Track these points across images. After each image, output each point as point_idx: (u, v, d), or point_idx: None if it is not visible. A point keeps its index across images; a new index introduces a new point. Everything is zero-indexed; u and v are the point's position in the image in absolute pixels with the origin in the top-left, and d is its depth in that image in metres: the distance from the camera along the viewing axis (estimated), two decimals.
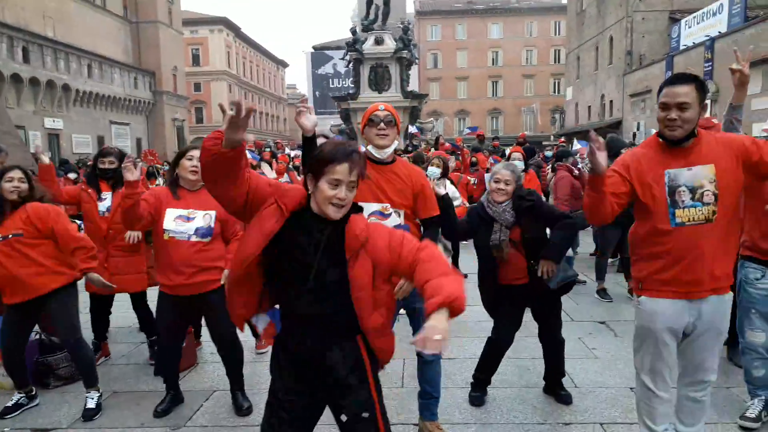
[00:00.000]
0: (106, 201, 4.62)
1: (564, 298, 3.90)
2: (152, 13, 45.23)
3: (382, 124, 3.06)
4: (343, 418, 2.09)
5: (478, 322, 4.93)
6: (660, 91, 2.59)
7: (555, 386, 3.92)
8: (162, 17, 46.17)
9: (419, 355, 3.22)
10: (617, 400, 3.87)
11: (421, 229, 3.22)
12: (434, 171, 5.93)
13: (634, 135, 26.74)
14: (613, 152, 6.83)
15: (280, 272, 2.06)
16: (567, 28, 48.05)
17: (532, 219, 3.59)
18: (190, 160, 3.59)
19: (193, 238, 3.53)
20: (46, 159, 4.58)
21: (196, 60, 57.38)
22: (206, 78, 57.56)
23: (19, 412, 3.87)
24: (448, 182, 5.92)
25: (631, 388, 3.98)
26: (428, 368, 3.32)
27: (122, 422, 3.70)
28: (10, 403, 3.88)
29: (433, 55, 58.22)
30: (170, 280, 3.55)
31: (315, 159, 2.02)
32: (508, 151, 13.21)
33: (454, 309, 1.78)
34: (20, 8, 31.99)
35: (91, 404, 3.83)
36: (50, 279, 3.68)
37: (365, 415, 2.08)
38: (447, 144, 17.63)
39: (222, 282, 3.59)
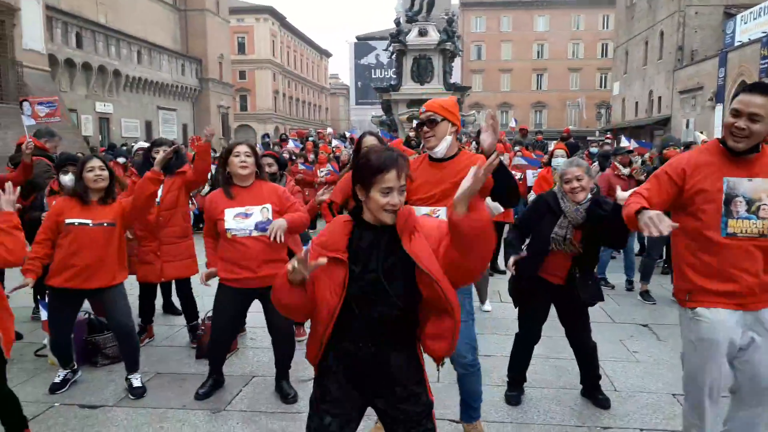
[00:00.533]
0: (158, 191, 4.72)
1: (606, 300, 3.86)
2: (200, 2, 46.01)
3: (425, 127, 2.99)
4: (401, 425, 2.09)
5: (515, 320, 4.87)
6: (735, 96, 2.48)
7: (592, 390, 3.86)
8: (210, 5, 46.91)
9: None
10: (659, 406, 3.78)
11: None
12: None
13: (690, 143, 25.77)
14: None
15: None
16: (615, 21, 46.81)
17: (598, 227, 3.47)
18: (237, 156, 3.65)
19: (254, 233, 3.62)
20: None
21: (241, 48, 58.14)
22: (251, 66, 58.28)
23: (67, 387, 4.02)
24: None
25: (673, 395, 3.91)
26: (466, 379, 3.25)
27: (165, 403, 3.81)
28: (57, 380, 4.03)
29: (476, 47, 57.56)
30: (236, 273, 3.65)
31: (362, 170, 2.00)
32: (551, 147, 13.01)
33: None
34: None
35: (137, 383, 3.97)
36: (120, 273, 3.90)
37: (425, 421, 2.10)
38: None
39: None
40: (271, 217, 3.65)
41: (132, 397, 3.89)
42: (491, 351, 4.77)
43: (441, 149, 3.00)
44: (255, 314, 5.31)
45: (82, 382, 4.16)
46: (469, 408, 3.33)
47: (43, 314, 4.29)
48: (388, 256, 2.02)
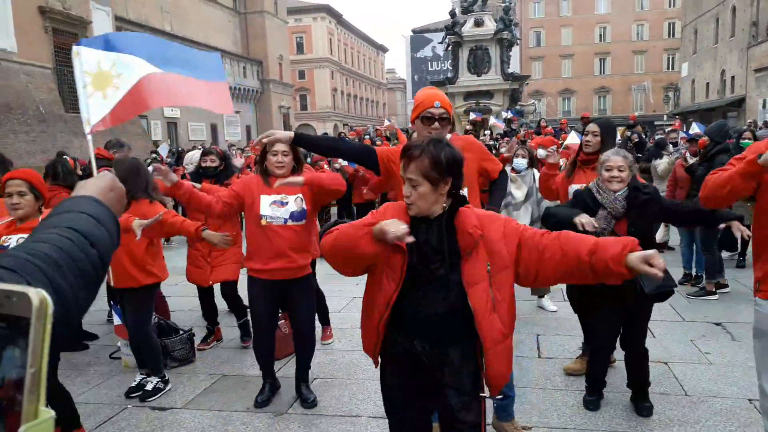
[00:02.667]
0: None
1: (676, 296, 3.67)
2: (259, 4, 46.99)
3: (436, 123, 2.92)
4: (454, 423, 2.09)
5: (578, 320, 4.73)
6: None
7: (637, 396, 3.65)
8: (268, 7, 47.84)
9: None
10: (733, 412, 3.58)
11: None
12: (521, 162, 5.68)
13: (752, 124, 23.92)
14: (722, 139, 6.17)
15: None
16: None
17: (643, 214, 3.34)
18: (275, 155, 3.64)
19: (290, 222, 3.63)
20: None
21: (300, 48, 59.03)
22: (310, 65, 59.10)
23: (159, 395, 4.14)
24: (534, 173, 5.62)
25: (750, 400, 3.70)
26: None
27: (230, 406, 3.93)
28: (133, 384, 4.21)
29: (535, 33, 56.17)
30: (266, 264, 3.63)
31: None
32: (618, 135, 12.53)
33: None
34: (141, 5, 34.39)
35: (149, 387, 4.10)
36: (137, 275, 3.98)
37: (475, 423, 2.09)
38: (549, 128, 17.01)
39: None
40: (305, 207, 3.66)
41: (140, 400, 4.03)
42: (554, 353, 4.65)
43: None
44: None
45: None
46: (507, 399, 3.29)
47: (116, 318, 4.51)
48: (441, 249, 2.01)
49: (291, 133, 3.16)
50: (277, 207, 3.63)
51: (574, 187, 4.27)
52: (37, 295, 0.59)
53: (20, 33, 21.43)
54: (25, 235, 3.03)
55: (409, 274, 2.00)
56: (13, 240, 3.06)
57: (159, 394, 4.09)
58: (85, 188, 1.11)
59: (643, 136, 14.25)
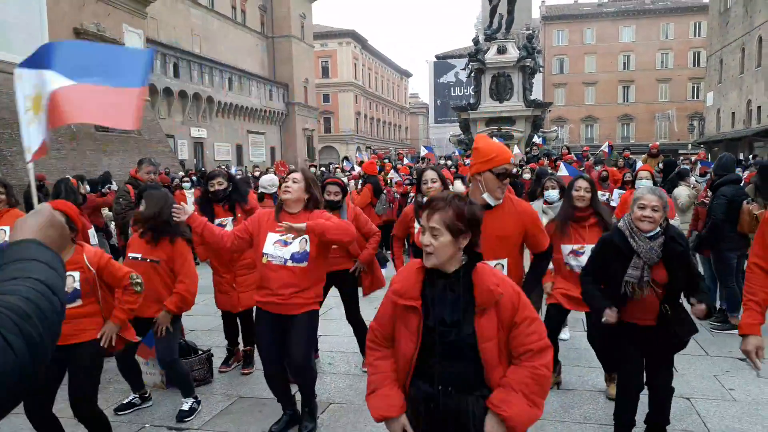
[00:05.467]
0: (228, 227, 4.77)
1: (699, 329, 3.61)
2: (286, 28, 47.94)
3: (507, 179, 2.95)
4: None
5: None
6: None
7: None
8: (295, 32, 48.77)
9: None
10: None
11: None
12: (552, 194, 5.44)
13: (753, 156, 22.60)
14: (724, 171, 6.15)
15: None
16: (708, 28, 44.38)
17: (679, 264, 3.25)
18: (286, 181, 3.66)
19: (289, 263, 3.57)
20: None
21: (325, 72, 59.90)
22: (334, 89, 59.87)
23: (131, 410, 4.24)
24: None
25: None
26: None
27: (245, 428, 3.94)
28: (124, 401, 4.28)
29: (558, 61, 56.32)
30: (265, 297, 3.65)
31: None
32: (639, 165, 12.40)
33: (508, 425, 2.01)
34: (172, 27, 35.30)
35: (185, 407, 4.15)
36: (161, 306, 4.03)
37: None
38: (571, 155, 16.96)
39: None
40: (308, 249, 3.59)
41: (177, 420, 4.06)
42: (573, 384, 4.59)
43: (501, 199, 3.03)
44: (333, 337, 5.45)
45: (172, 403, 4.37)
46: None
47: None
48: (458, 306, 2.06)
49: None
50: (279, 246, 3.59)
51: (569, 247, 4.23)
52: None
53: None
54: (75, 273, 3.14)
55: (426, 333, 2.06)
56: None
57: (194, 415, 4.13)
58: (23, 229, 1.13)
59: (676, 165, 14.14)
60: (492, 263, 2.76)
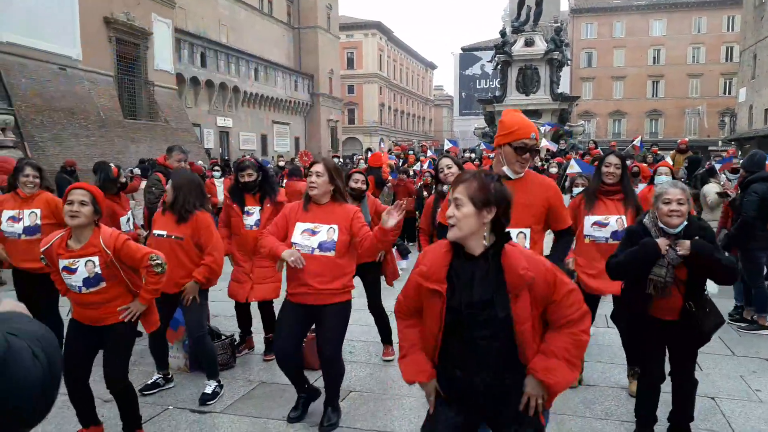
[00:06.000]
0: (254, 215, 4.83)
1: (726, 329, 3.54)
2: (312, 19, 48.02)
3: (527, 154, 2.93)
4: None
5: (621, 347, 4.63)
6: None
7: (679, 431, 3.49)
8: (321, 23, 48.82)
9: None
10: None
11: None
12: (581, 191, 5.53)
13: None
14: (756, 168, 6.00)
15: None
16: (742, 22, 43.23)
17: (704, 262, 3.15)
18: (310, 176, 3.67)
19: (317, 252, 3.58)
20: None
21: (350, 63, 59.90)
22: (359, 80, 59.85)
23: (155, 391, 4.33)
24: None
25: None
26: None
27: (267, 413, 3.98)
28: (149, 381, 4.37)
29: (587, 54, 55.49)
30: (295, 288, 3.67)
31: None
32: (668, 158, 12.18)
33: (549, 391, 2.05)
34: (200, 17, 35.58)
35: (208, 390, 4.19)
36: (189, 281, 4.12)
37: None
38: (598, 150, 16.72)
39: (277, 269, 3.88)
40: (335, 239, 3.59)
41: (200, 403, 4.12)
42: (595, 380, 4.55)
43: (522, 174, 3.02)
44: (354, 326, 5.44)
45: (195, 386, 4.44)
46: None
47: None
48: (486, 289, 2.03)
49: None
50: (307, 235, 3.62)
51: (592, 219, 4.24)
52: None
53: (86, 42, 22.47)
54: (94, 258, 3.18)
55: (450, 317, 2.05)
56: (81, 264, 3.19)
57: (216, 399, 4.18)
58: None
59: (701, 161, 13.86)
60: (514, 232, 2.73)
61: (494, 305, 2.01)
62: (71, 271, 3.19)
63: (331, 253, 3.59)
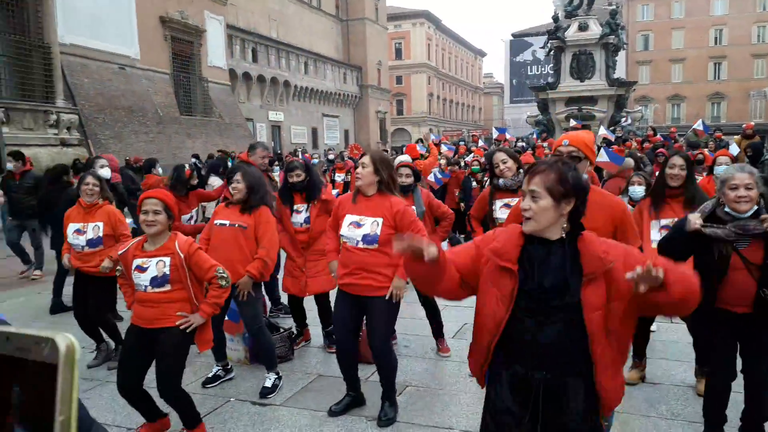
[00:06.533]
0: (302, 214, 4.97)
1: None
2: (360, 11, 48.08)
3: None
4: None
5: (687, 344, 4.46)
6: None
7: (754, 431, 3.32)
8: (369, 14, 48.83)
9: None
10: None
11: None
12: (638, 191, 5.03)
13: None
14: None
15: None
16: None
17: None
18: (358, 167, 3.73)
19: (361, 245, 3.66)
20: None
21: (398, 53, 59.73)
22: (407, 71, 59.64)
23: (217, 383, 4.43)
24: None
25: None
26: None
27: (325, 406, 4.01)
28: (210, 374, 4.47)
29: (643, 37, 53.49)
30: (344, 279, 3.77)
31: None
32: (732, 148, 11.59)
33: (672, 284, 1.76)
34: (250, 13, 36.17)
35: (268, 383, 4.27)
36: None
37: None
38: (658, 136, 16.14)
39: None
40: (378, 233, 3.63)
41: (260, 396, 4.19)
42: (659, 378, 4.41)
43: None
44: (408, 320, 5.46)
45: (255, 379, 4.53)
46: None
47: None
48: (560, 273, 1.95)
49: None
50: (353, 228, 3.70)
51: (660, 223, 4.03)
52: (63, 340, 0.58)
53: (143, 41, 23.20)
54: (166, 258, 3.27)
55: (521, 298, 1.96)
56: (153, 263, 3.30)
57: (276, 391, 4.27)
58: None
59: (762, 147, 13.15)
60: None
61: (568, 289, 1.92)
62: (142, 269, 3.31)
63: (374, 246, 3.65)
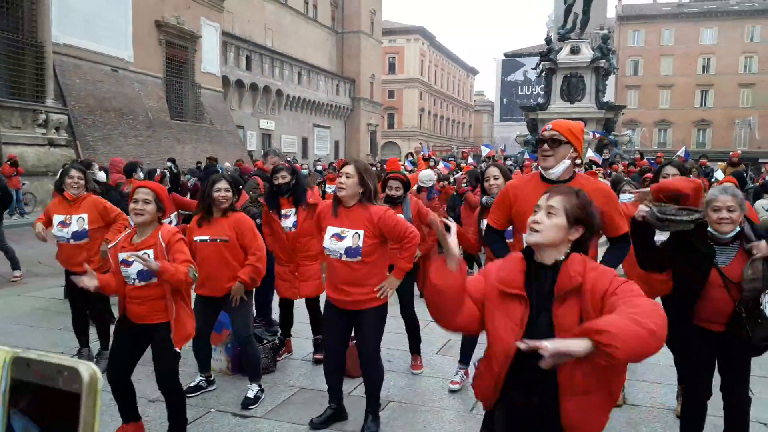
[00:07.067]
0: (291, 218, 4.93)
1: None
2: (356, 24, 48.45)
3: (545, 145, 2.89)
4: None
5: (669, 366, 4.50)
6: None
7: None
8: (365, 27, 49.21)
9: None
10: None
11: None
12: (628, 198, 5.24)
13: None
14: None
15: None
16: None
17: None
18: (340, 176, 3.68)
19: (344, 258, 3.60)
20: None
21: (392, 68, 60.12)
22: (400, 85, 60.02)
23: (198, 393, 4.38)
24: None
25: None
26: None
27: (306, 419, 3.98)
28: (192, 384, 4.41)
29: (633, 62, 54.37)
30: (331, 293, 3.74)
31: None
32: (717, 173, 11.79)
33: (601, 348, 1.62)
34: (246, 20, 36.30)
35: (251, 394, 4.23)
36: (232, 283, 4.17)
37: None
38: (644, 161, 16.36)
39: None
40: (360, 245, 3.57)
41: (242, 407, 4.14)
42: (640, 400, 4.44)
43: (557, 171, 2.92)
44: (392, 334, 5.42)
45: (237, 390, 4.49)
46: None
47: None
48: (548, 299, 1.96)
49: None
50: (335, 240, 3.62)
51: None
52: (87, 370, 0.59)
53: (137, 44, 23.18)
54: (150, 251, 3.25)
55: (530, 324, 1.95)
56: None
57: (258, 403, 4.23)
58: None
59: (744, 176, 13.39)
60: None
61: (545, 313, 1.94)
62: (128, 263, 3.31)
63: (357, 259, 3.59)
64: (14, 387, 0.60)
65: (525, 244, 2.11)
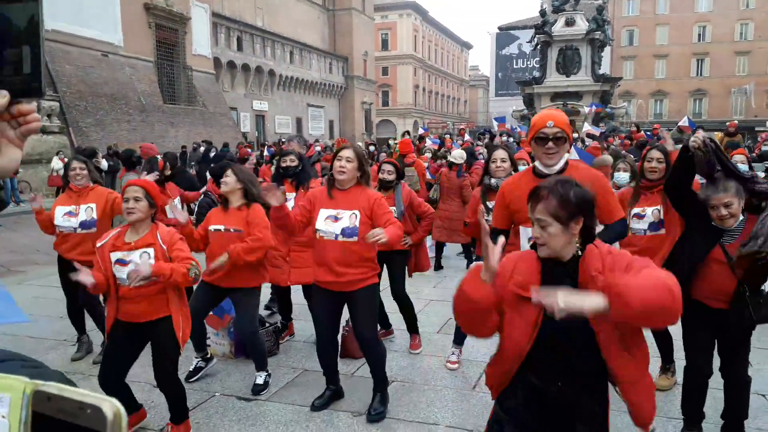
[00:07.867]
0: (290, 202, 4.86)
1: None
2: (347, 1, 47.83)
3: (550, 143, 2.85)
4: None
5: (651, 343, 4.53)
6: None
7: (734, 430, 3.40)
8: (356, 4, 48.60)
9: None
10: None
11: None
12: (622, 177, 5.27)
13: None
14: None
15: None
16: None
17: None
18: (339, 160, 3.67)
19: (340, 238, 3.61)
20: None
21: (384, 44, 59.53)
22: (393, 62, 59.49)
23: (199, 375, 4.41)
24: None
25: None
26: None
27: (310, 400, 4.02)
28: (191, 368, 4.44)
29: (628, 32, 53.88)
30: (322, 276, 3.72)
31: None
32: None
33: (616, 303, 1.69)
34: (236, 1, 35.81)
35: (260, 381, 4.25)
36: (249, 276, 4.16)
37: None
38: (641, 133, 16.31)
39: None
40: (357, 224, 3.61)
41: (252, 393, 4.17)
42: None
43: (558, 167, 2.91)
44: (391, 315, 5.48)
45: (241, 374, 4.54)
46: None
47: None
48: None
49: None
50: (330, 222, 3.65)
51: (633, 211, 4.12)
52: (111, 408, 0.57)
53: (127, 28, 22.87)
54: (150, 250, 3.23)
55: (546, 326, 1.95)
56: (136, 256, 3.24)
57: (267, 387, 4.26)
58: None
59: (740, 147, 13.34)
60: None
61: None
62: (124, 263, 3.24)
63: (354, 239, 3.62)
64: (35, 419, 0.59)
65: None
